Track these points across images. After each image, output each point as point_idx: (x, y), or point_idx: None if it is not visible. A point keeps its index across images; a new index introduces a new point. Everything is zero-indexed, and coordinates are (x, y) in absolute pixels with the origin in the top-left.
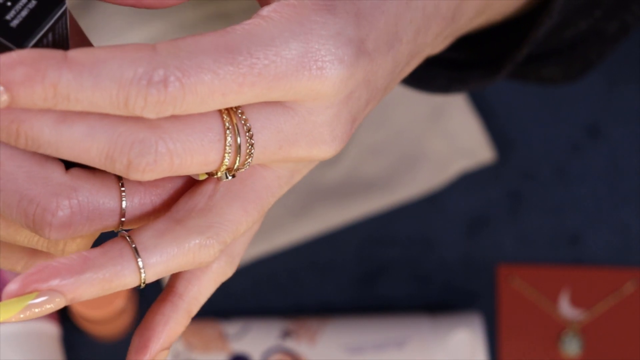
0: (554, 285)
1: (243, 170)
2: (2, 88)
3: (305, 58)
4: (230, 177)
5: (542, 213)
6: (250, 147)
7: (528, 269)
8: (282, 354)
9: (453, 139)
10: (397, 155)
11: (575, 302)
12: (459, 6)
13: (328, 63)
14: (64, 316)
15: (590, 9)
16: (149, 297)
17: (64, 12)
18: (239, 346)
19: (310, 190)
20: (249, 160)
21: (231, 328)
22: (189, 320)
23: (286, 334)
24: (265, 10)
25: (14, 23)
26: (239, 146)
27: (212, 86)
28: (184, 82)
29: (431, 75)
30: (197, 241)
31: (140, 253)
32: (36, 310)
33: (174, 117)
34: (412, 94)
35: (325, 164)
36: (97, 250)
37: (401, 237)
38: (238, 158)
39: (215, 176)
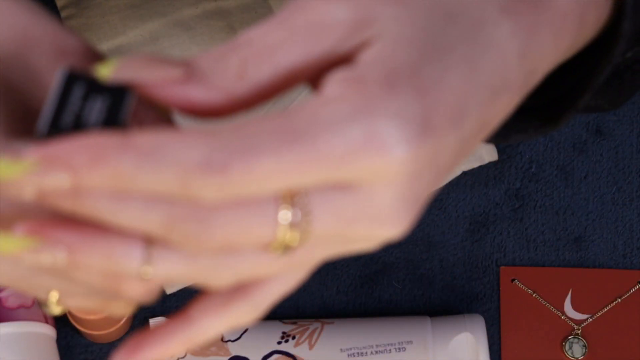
0: (558, 287)
1: (302, 248)
2: (64, 174)
3: (369, 140)
4: (287, 256)
5: (545, 214)
6: (307, 223)
7: (531, 271)
8: (282, 357)
9: None
10: None
11: (579, 304)
12: (532, 72)
13: (392, 144)
14: (60, 319)
15: (637, 40)
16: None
17: (118, 96)
18: (238, 350)
19: None
20: (307, 237)
21: (230, 332)
22: (189, 346)
23: (285, 338)
24: (328, 90)
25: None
26: (296, 222)
27: (274, 172)
28: (245, 168)
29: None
30: (210, 262)
31: (151, 246)
32: (34, 255)
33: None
34: None
35: None
36: (112, 233)
37: (402, 238)
38: (295, 234)
39: (274, 254)
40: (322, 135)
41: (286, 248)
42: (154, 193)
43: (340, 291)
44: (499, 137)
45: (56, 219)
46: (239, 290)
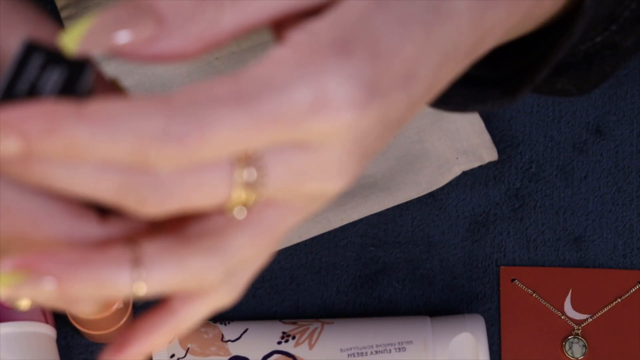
0: (558, 287)
1: (256, 206)
2: (15, 140)
3: (317, 102)
4: (244, 214)
5: (545, 214)
6: (261, 180)
7: (531, 271)
8: (282, 357)
9: (455, 139)
10: (399, 156)
11: (580, 304)
12: (481, 40)
13: (341, 107)
14: (59, 319)
15: (607, 24)
16: (147, 300)
17: (74, 71)
18: (238, 350)
19: None
20: (261, 195)
21: (230, 332)
22: (175, 336)
23: (285, 338)
24: (280, 52)
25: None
26: (251, 181)
27: (229, 137)
28: (201, 136)
29: (447, 94)
30: (200, 263)
31: (139, 265)
32: (24, 291)
33: None
34: None
35: None
36: (97, 251)
37: (402, 238)
38: (250, 193)
39: (231, 213)
40: (274, 99)
41: (243, 206)
42: (108, 161)
43: (340, 291)
44: (457, 106)
45: (37, 251)
46: None
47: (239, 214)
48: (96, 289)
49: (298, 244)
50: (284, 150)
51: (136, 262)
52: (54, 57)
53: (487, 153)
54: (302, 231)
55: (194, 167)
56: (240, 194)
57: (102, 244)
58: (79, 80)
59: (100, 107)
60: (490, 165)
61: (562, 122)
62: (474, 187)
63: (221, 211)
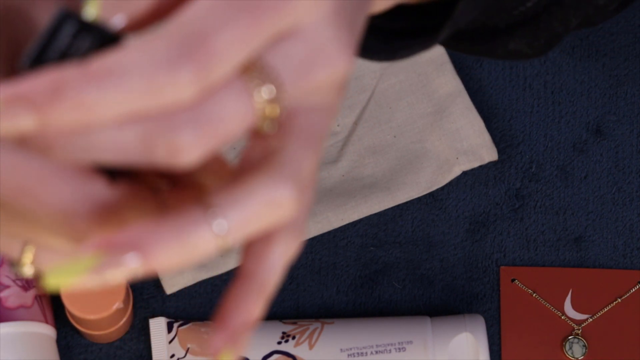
0: (558, 287)
1: (283, 114)
2: (28, 113)
3: None
4: (275, 127)
5: (546, 214)
6: (280, 92)
7: (531, 271)
8: (282, 357)
9: (455, 139)
10: (399, 156)
11: (580, 304)
12: None
13: None
14: (59, 319)
15: None
16: (146, 298)
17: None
18: None
19: None
20: (284, 104)
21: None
22: (264, 299)
23: (285, 338)
24: None
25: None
26: (272, 97)
27: (233, 41)
28: (207, 48)
29: (377, 48)
30: (271, 185)
31: (215, 215)
32: (110, 271)
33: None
34: (413, 93)
35: (325, 164)
36: (169, 214)
37: (402, 238)
38: (275, 106)
39: (263, 131)
40: None
41: (272, 121)
42: (126, 114)
43: (340, 291)
44: (388, 55)
45: (108, 226)
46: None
47: (271, 128)
48: (182, 254)
49: None
50: (279, 46)
51: (211, 214)
52: (87, 26)
53: (487, 153)
54: None
55: (211, 93)
56: (265, 110)
57: (117, 206)
58: (110, 49)
59: (102, 62)
60: (490, 165)
61: (562, 122)
62: (474, 187)
63: (255, 135)
